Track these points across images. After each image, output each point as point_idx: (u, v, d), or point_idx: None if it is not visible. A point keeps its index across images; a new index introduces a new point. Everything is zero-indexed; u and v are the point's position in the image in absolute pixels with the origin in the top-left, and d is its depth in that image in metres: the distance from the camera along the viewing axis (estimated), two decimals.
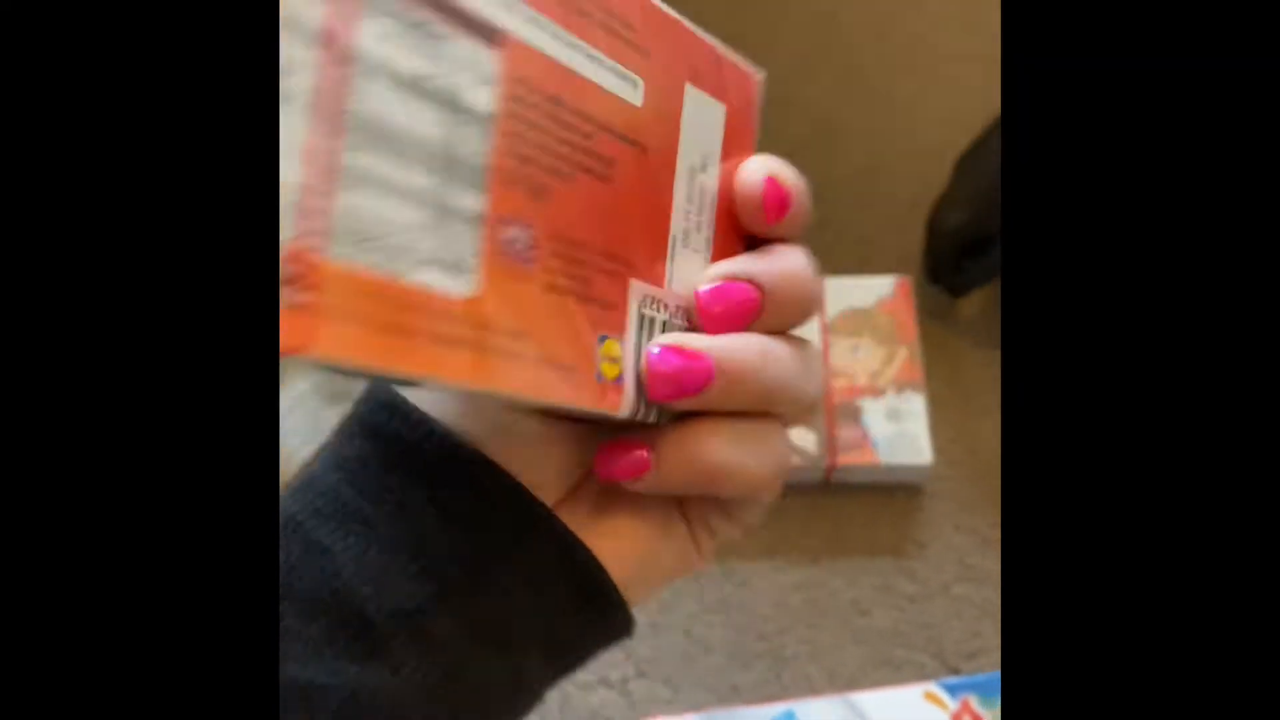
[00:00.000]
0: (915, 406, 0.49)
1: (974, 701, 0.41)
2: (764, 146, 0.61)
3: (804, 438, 0.48)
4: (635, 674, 0.46)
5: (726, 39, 0.66)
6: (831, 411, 0.48)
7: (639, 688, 0.46)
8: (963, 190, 0.50)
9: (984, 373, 0.52)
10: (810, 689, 0.45)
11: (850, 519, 0.49)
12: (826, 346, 0.50)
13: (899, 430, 0.48)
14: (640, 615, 0.50)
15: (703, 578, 0.48)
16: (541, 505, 0.22)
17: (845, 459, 0.48)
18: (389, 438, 0.21)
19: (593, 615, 0.23)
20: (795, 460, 0.48)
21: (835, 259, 0.55)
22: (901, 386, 0.49)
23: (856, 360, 0.50)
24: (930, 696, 0.41)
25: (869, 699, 0.41)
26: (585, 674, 0.47)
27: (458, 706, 0.21)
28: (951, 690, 0.41)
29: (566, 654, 0.23)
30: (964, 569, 0.47)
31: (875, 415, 0.49)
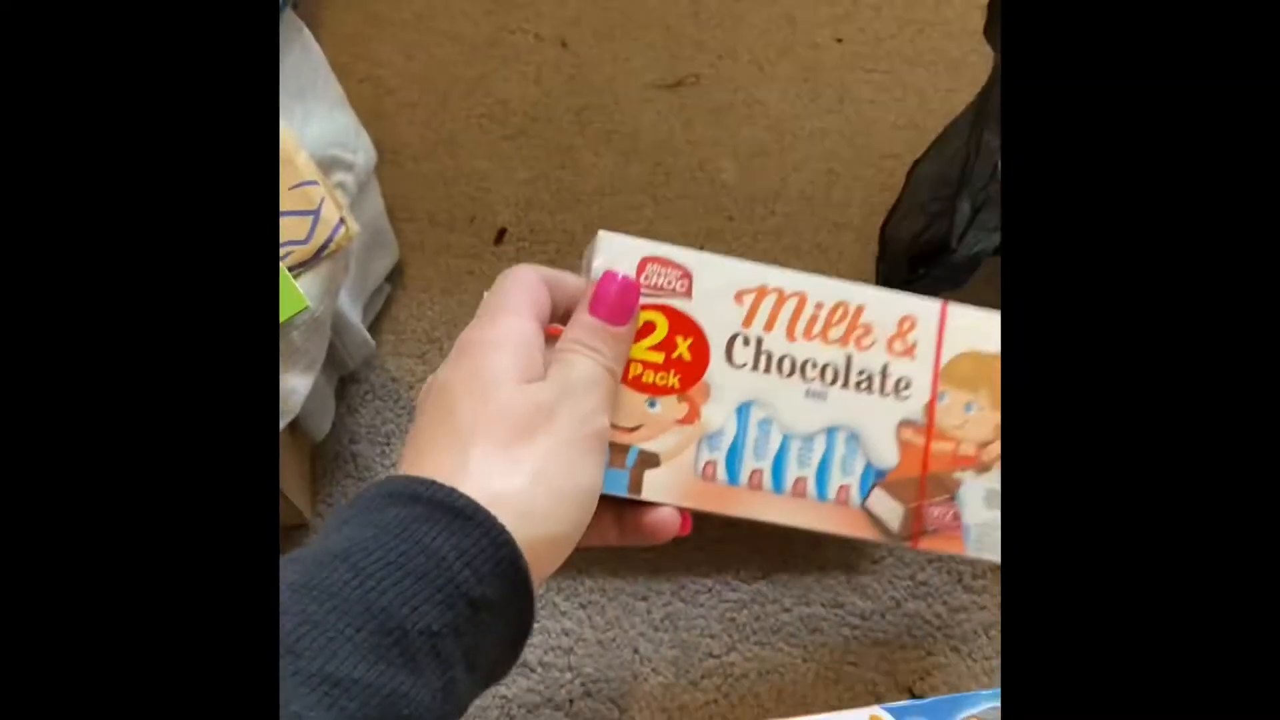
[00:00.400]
0: None
1: None
2: (722, 150, 0.61)
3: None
4: (582, 693, 0.45)
5: (687, 44, 0.65)
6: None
7: (585, 708, 0.45)
8: (916, 197, 0.49)
9: None
10: (759, 708, 0.44)
11: (801, 535, 0.48)
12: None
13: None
14: (588, 633, 0.49)
15: (651, 595, 0.47)
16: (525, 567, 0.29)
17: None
18: (426, 501, 0.28)
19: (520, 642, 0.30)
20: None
21: (792, 267, 0.54)
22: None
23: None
24: None
25: None
26: (531, 695, 0.45)
27: (449, 714, 0.28)
28: (899, 715, 0.40)
29: (497, 675, 0.30)
30: (915, 585, 0.47)
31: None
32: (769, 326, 0.39)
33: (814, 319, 0.40)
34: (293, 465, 0.46)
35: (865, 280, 0.53)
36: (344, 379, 0.51)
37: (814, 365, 0.40)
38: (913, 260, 0.49)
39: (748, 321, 0.39)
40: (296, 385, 0.41)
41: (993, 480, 0.40)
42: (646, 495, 0.38)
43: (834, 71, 0.60)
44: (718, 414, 0.39)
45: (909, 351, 0.40)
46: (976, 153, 0.44)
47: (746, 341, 0.39)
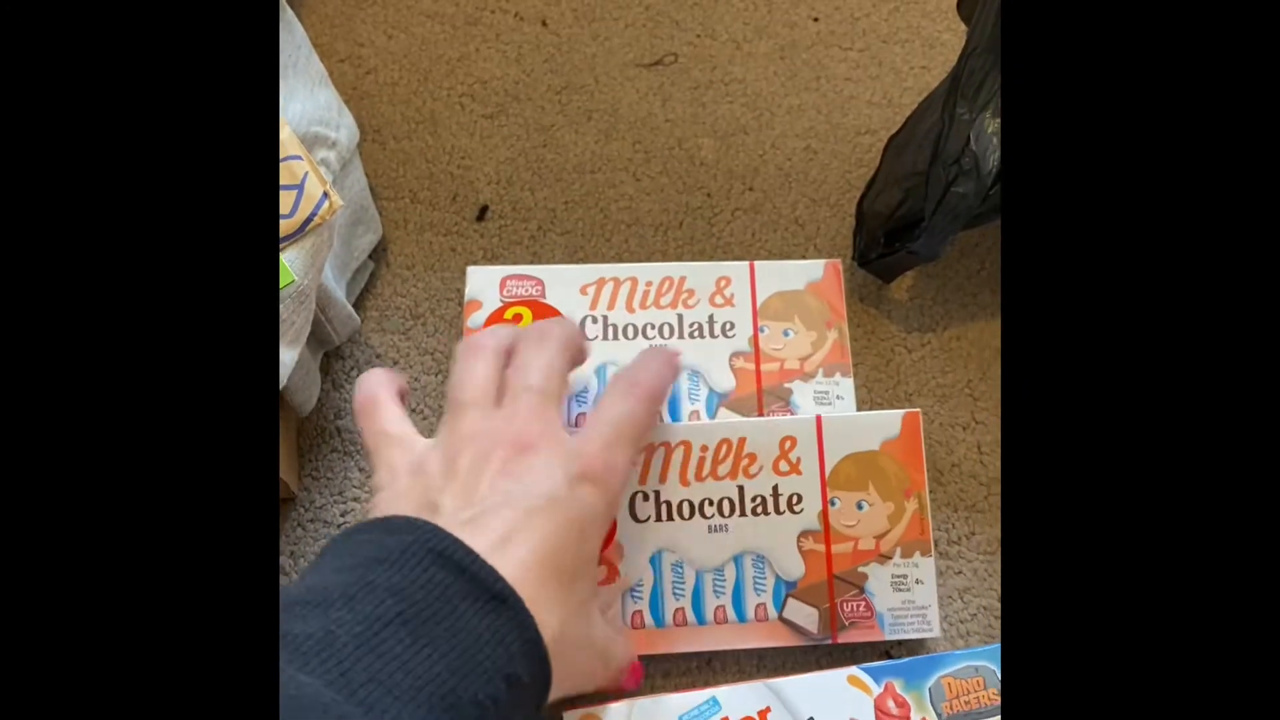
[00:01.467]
0: (844, 391, 0.48)
1: (898, 685, 0.41)
2: (701, 128, 0.61)
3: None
4: None
5: (666, 24, 0.66)
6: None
7: None
8: (892, 173, 0.50)
9: (913, 356, 0.52)
10: (740, 675, 0.45)
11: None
12: (757, 332, 0.48)
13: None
14: None
15: None
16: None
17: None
18: (470, 576, 0.31)
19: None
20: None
21: (770, 242, 0.55)
22: (831, 370, 0.48)
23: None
24: (854, 680, 0.41)
25: (792, 683, 0.41)
26: None
27: None
28: (875, 675, 0.41)
29: None
30: None
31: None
32: (663, 478, 0.44)
33: (702, 460, 0.44)
34: (280, 440, 0.47)
35: (842, 254, 0.54)
36: (329, 355, 0.52)
37: (710, 502, 0.44)
38: (889, 234, 0.50)
39: (643, 479, 0.44)
40: (283, 357, 0.41)
41: (895, 567, 0.44)
42: None
43: (811, 50, 0.60)
44: (634, 568, 0.44)
45: (795, 468, 0.44)
46: (950, 126, 0.45)
47: (646, 497, 0.44)
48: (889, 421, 0.45)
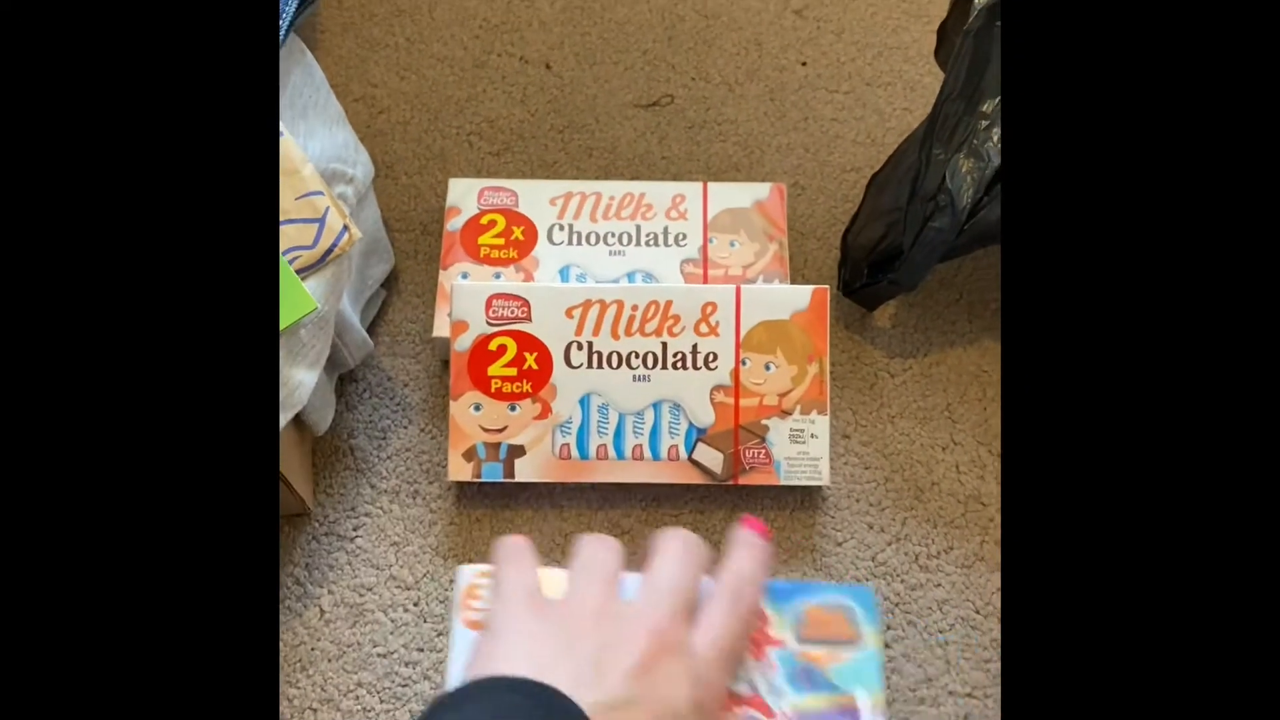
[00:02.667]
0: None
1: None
2: (695, 165, 0.64)
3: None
4: None
5: (662, 67, 0.69)
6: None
7: None
8: (875, 208, 0.54)
9: (895, 381, 0.55)
10: (647, 514, 0.48)
11: (770, 521, 0.51)
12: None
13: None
14: None
15: None
16: None
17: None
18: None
19: None
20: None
21: None
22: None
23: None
24: None
25: None
26: None
27: None
28: None
29: None
30: (875, 566, 0.51)
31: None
32: (596, 332, 0.50)
33: (631, 319, 0.50)
34: (297, 457, 0.49)
35: (828, 283, 0.57)
36: (343, 378, 0.54)
37: (636, 355, 0.50)
38: (872, 266, 0.53)
39: (579, 331, 0.50)
40: (304, 379, 0.44)
41: (794, 422, 0.50)
42: (519, 478, 0.50)
43: (799, 92, 0.64)
44: (565, 407, 0.50)
45: (713, 330, 0.50)
46: (927, 166, 0.49)
47: (580, 347, 0.50)
48: (799, 295, 0.51)
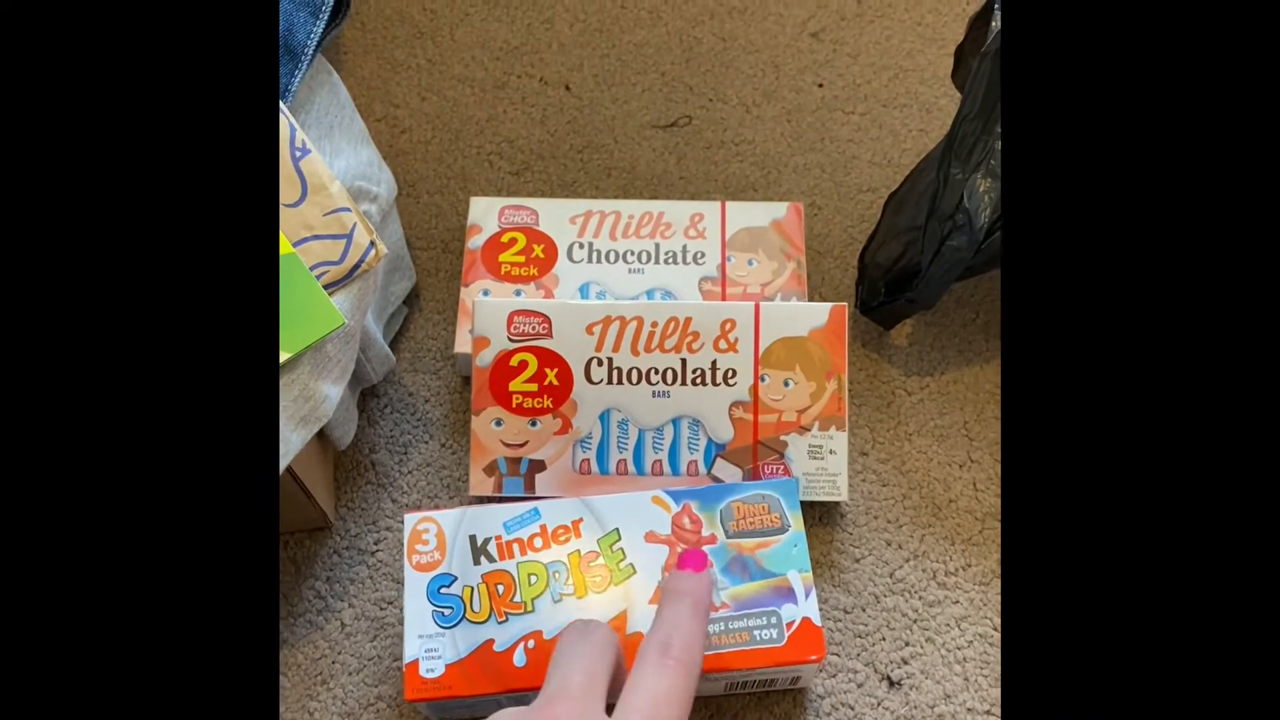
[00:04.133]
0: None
1: (694, 506, 0.47)
2: (713, 185, 0.65)
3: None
4: None
5: (680, 88, 0.70)
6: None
7: None
8: (892, 228, 0.54)
9: (912, 399, 0.56)
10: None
11: None
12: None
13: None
14: None
15: None
16: None
17: None
18: None
19: None
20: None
21: None
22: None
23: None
24: (657, 500, 0.48)
25: (603, 500, 0.47)
26: None
27: None
28: (675, 496, 0.48)
29: None
30: (894, 582, 0.51)
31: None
32: (616, 348, 0.51)
33: (651, 335, 0.51)
34: (320, 470, 0.50)
35: (845, 301, 0.57)
36: (365, 393, 0.55)
37: (656, 371, 0.50)
38: (889, 284, 0.54)
39: (599, 347, 0.51)
40: (329, 393, 0.45)
41: (812, 438, 0.50)
42: (539, 493, 0.50)
43: (816, 113, 0.65)
44: (585, 422, 0.50)
45: (732, 347, 0.51)
46: (944, 186, 0.49)
47: (600, 363, 0.51)
48: (818, 312, 0.51)
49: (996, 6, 0.48)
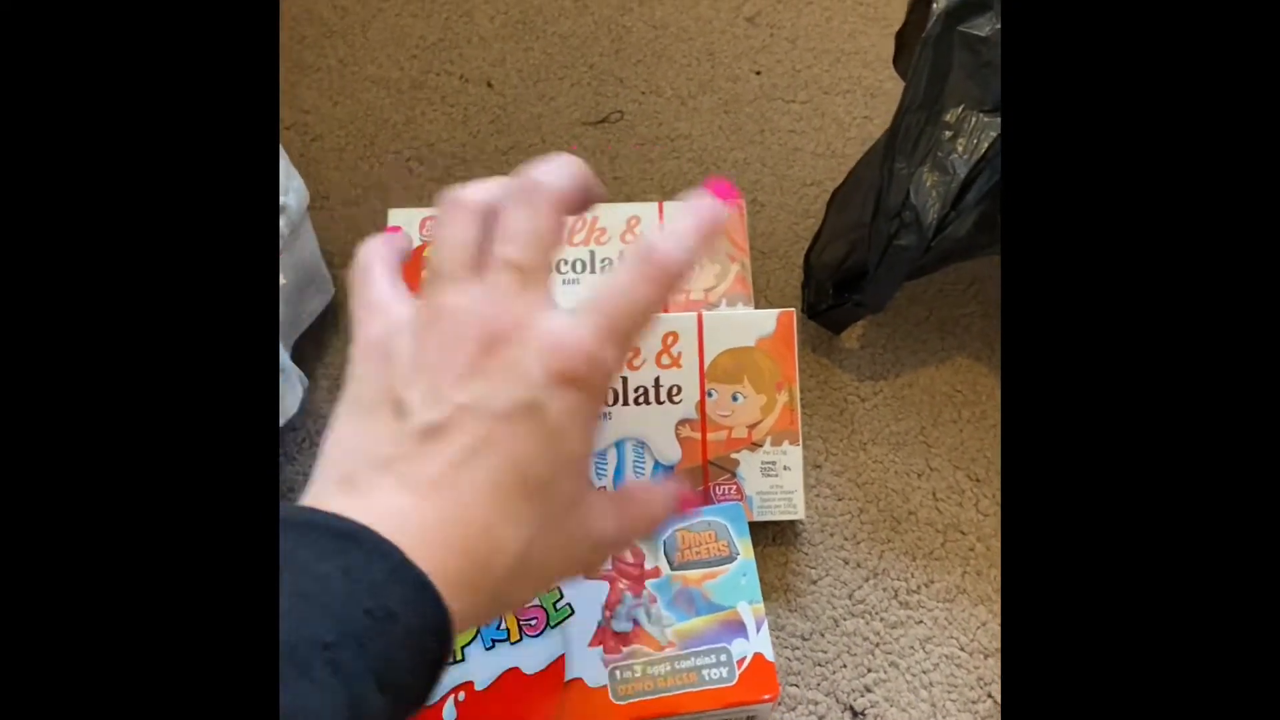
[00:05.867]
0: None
1: None
2: (649, 185, 0.61)
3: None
4: None
5: (610, 81, 0.66)
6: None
7: None
8: (837, 225, 0.51)
9: (865, 405, 0.53)
10: None
11: None
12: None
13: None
14: None
15: None
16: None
17: None
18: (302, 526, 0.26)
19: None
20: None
21: None
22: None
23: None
24: None
25: None
26: None
27: None
28: None
29: (417, 698, 0.27)
30: (853, 604, 0.48)
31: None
32: None
33: None
34: None
35: (792, 305, 0.54)
36: (280, 429, 0.51)
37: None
38: (837, 286, 0.50)
39: None
40: None
41: (765, 454, 0.47)
42: None
43: (754, 103, 0.61)
44: None
45: (676, 362, 0.47)
46: (889, 181, 0.46)
47: None
48: (765, 320, 0.47)
49: None
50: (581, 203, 0.32)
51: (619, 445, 0.47)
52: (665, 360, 0.47)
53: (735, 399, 0.47)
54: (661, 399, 0.47)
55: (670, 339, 0.47)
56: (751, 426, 0.47)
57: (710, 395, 0.47)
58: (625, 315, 0.30)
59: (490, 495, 0.29)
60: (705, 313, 0.48)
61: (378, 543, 0.26)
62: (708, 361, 0.47)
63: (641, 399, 0.47)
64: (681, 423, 0.47)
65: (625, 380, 0.47)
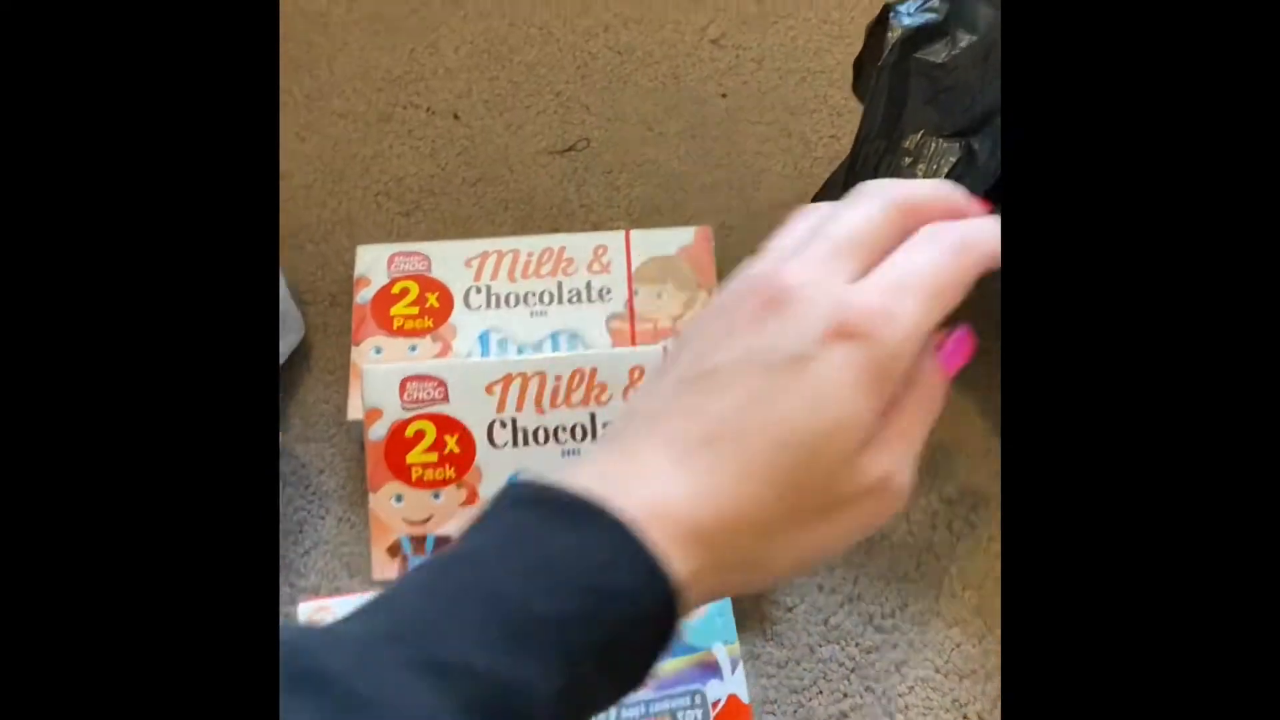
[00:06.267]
0: None
1: None
2: (617, 215, 0.62)
3: None
4: None
5: (576, 109, 0.66)
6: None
7: None
8: None
9: None
10: None
11: None
12: (631, 294, 0.53)
13: None
14: None
15: None
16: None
17: None
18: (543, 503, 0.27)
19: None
20: None
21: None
22: None
23: (660, 304, 0.52)
24: None
25: None
26: None
27: (572, 715, 0.25)
28: None
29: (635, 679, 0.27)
30: (828, 630, 0.48)
31: None
32: (519, 407, 0.47)
33: (556, 391, 0.48)
34: None
35: None
36: None
37: (564, 429, 0.48)
38: None
39: (500, 407, 0.47)
40: None
41: None
42: None
43: (720, 125, 0.61)
44: (492, 489, 0.44)
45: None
46: None
47: (504, 424, 0.47)
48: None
49: (892, 15, 0.45)
50: (930, 215, 0.30)
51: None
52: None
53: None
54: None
55: (637, 373, 0.48)
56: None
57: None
58: (919, 275, 0.29)
59: (749, 460, 0.27)
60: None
61: (612, 520, 0.26)
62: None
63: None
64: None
65: (593, 416, 0.47)
